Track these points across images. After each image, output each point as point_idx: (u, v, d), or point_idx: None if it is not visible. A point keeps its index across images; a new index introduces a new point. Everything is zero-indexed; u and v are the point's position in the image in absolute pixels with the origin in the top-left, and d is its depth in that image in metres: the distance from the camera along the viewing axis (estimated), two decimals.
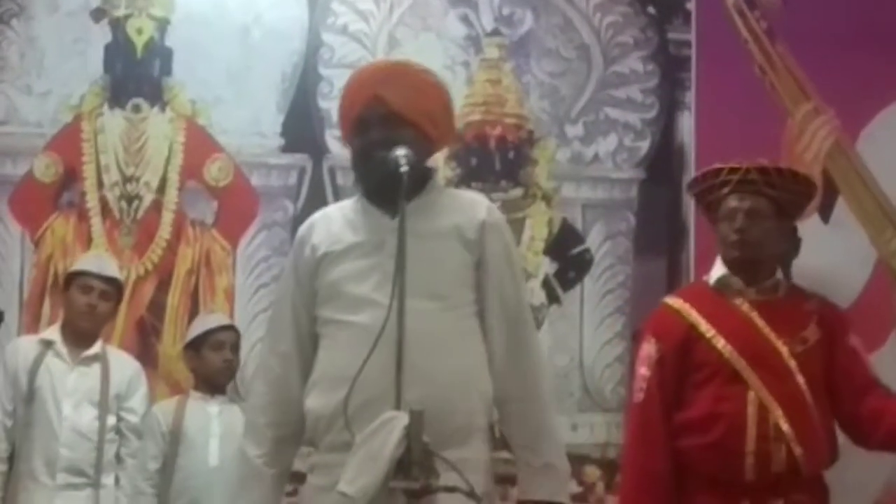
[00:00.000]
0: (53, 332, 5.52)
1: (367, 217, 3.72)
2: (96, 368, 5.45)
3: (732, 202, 4.13)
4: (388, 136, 3.60)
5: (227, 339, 5.55)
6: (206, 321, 5.71)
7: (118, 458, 5.41)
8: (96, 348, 5.49)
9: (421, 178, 3.68)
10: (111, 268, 5.64)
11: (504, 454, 5.49)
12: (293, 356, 3.74)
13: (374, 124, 3.64)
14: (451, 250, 3.68)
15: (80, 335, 5.48)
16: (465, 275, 3.68)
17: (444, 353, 3.57)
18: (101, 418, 5.39)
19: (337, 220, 3.79)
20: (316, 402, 3.65)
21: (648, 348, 4.13)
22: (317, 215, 3.88)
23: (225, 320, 5.72)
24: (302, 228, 3.86)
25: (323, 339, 3.70)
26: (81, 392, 5.39)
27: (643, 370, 4.11)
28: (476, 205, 3.79)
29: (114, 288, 5.56)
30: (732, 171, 4.14)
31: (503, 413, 3.72)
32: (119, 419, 5.43)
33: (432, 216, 3.68)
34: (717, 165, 4.16)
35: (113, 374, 5.46)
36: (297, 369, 3.74)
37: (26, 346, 5.50)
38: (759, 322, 4.05)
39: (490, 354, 3.70)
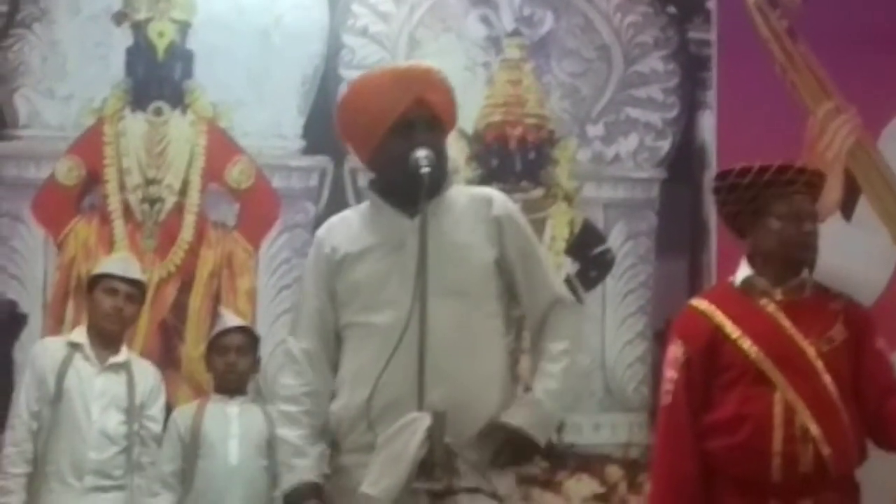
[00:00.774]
0: (80, 335, 5.49)
1: (385, 218, 3.71)
2: (123, 375, 5.42)
3: (801, 203, 4.11)
4: (432, 140, 3.62)
5: (231, 342, 5.53)
6: (217, 323, 5.73)
7: (140, 465, 5.37)
8: (123, 355, 5.48)
9: (441, 178, 3.68)
10: (135, 270, 5.63)
11: None
12: (319, 353, 3.74)
13: (420, 127, 3.63)
14: (471, 248, 3.68)
15: (105, 338, 5.46)
16: (485, 272, 3.69)
17: (466, 354, 3.58)
18: (129, 423, 5.37)
19: (354, 222, 3.79)
20: (339, 403, 3.66)
21: (675, 350, 4.11)
22: (334, 218, 3.88)
23: (234, 321, 5.70)
24: (320, 231, 3.86)
25: (346, 341, 3.70)
26: (109, 396, 5.37)
27: (670, 372, 4.10)
28: (487, 201, 3.79)
29: (138, 290, 5.54)
30: (800, 171, 4.12)
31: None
32: (141, 426, 5.41)
33: (450, 215, 3.68)
34: (782, 162, 4.13)
35: (137, 382, 5.44)
36: (325, 364, 3.74)
37: (54, 347, 5.47)
38: (786, 322, 4.04)
39: (531, 331, 3.74)
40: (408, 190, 3.58)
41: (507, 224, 3.73)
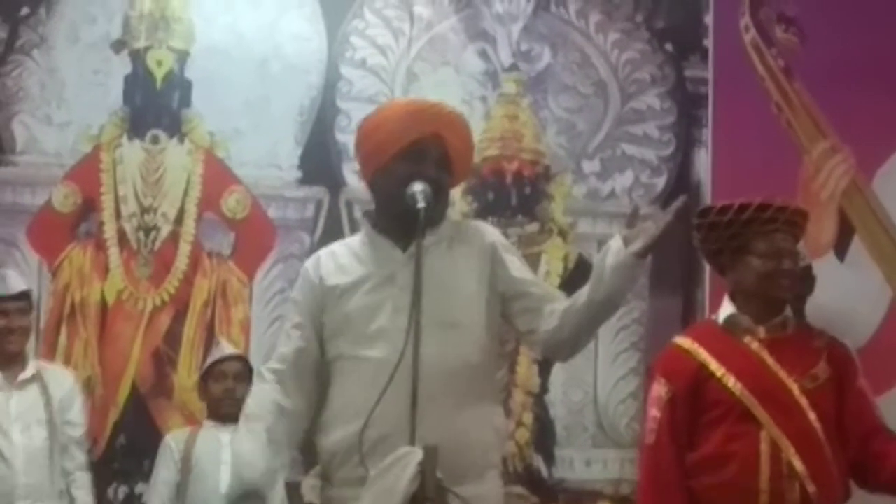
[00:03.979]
0: None
1: (377, 250, 3.67)
2: (35, 389, 5.33)
3: (781, 242, 4.12)
4: (437, 177, 3.60)
5: (228, 369, 5.54)
6: (213, 352, 5.74)
7: (65, 473, 5.29)
8: (31, 369, 5.37)
9: (437, 217, 3.71)
10: (16, 283, 5.49)
11: (517, 489, 5.54)
12: (296, 398, 3.69)
13: (430, 159, 3.60)
14: (465, 282, 3.66)
15: (8, 358, 5.34)
16: (477, 304, 3.68)
17: (459, 388, 3.58)
18: (52, 437, 5.27)
19: (343, 255, 3.77)
20: (330, 437, 3.67)
21: (659, 389, 4.11)
22: (322, 251, 3.83)
23: (231, 350, 5.73)
24: (308, 263, 3.80)
25: (335, 375, 3.68)
26: (26, 415, 5.27)
27: (654, 412, 4.10)
28: (481, 232, 3.78)
29: (26, 301, 5.42)
30: (780, 209, 4.14)
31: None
32: (60, 433, 5.30)
33: (443, 248, 3.69)
34: (762, 200, 4.15)
35: (52, 392, 5.34)
36: (298, 398, 3.70)
37: None
38: (770, 360, 4.04)
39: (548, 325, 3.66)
40: (401, 222, 3.58)
41: (500, 252, 3.75)
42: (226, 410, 5.49)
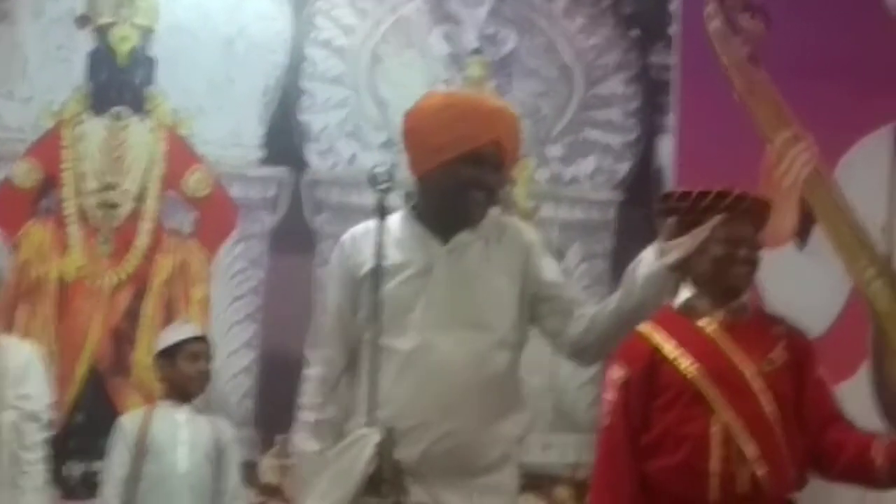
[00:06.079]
0: None
1: (416, 239, 3.65)
2: None
3: (740, 230, 4.14)
4: (495, 183, 3.63)
5: (201, 350, 5.53)
6: (179, 331, 5.67)
7: (24, 445, 5.00)
8: None
9: (481, 216, 3.68)
10: None
11: None
12: (340, 361, 3.68)
13: (489, 166, 3.59)
14: (499, 281, 3.65)
15: None
16: (510, 305, 3.66)
17: (484, 383, 3.55)
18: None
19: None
20: (351, 423, 3.64)
21: (614, 372, 4.15)
22: (359, 228, 3.76)
23: (199, 331, 5.72)
24: (345, 240, 3.75)
25: (363, 360, 3.63)
26: None
27: (610, 394, 4.13)
28: (520, 232, 3.78)
29: None
30: (740, 198, 4.16)
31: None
32: (13, 407, 5.01)
33: (480, 246, 3.67)
34: (721, 188, 4.16)
35: (9, 365, 5.06)
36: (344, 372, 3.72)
37: None
38: (726, 343, 4.06)
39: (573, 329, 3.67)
40: (449, 218, 3.62)
41: (535, 254, 3.75)
42: (194, 390, 5.47)
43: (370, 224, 3.71)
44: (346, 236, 3.77)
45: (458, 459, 3.48)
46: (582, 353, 3.73)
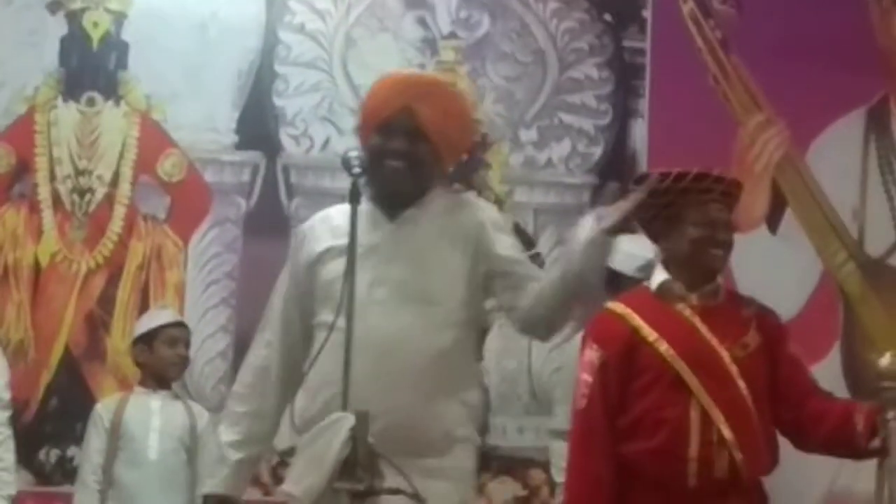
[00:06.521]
0: None
1: (365, 217, 3.65)
2: None
3: (716, 212, 4.14)
4: (406, 149, 3.64)
5: (180, 335, 5.54)
6: (158, 316, 5.69)
7: None
8: None
9: (423, 187, 3.72)
10: None
11: None
12: (278, 350, 3.74)
13: (397, 134, 3.65)
14: (449, 257, 3.68)
15: None
16: (460, 282, 3.68)
17: (429, 360, 3.57)
18: None
19: (336, 219, 3.77)
20: (299, 403, 3.67)
21: (590, 354, 4.12)
22: (318, 215, 3.85)
23: (177, 317, 5.73)
24: (303, 226, 3.84)
25: (316, 341, 3.65)
26: None
27: (585, 376, 4.11)
28: (473, 208, 3.80)
29: None
30: (717, 180, 4.16)
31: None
32: None
33: (428, 222, 3.70)
34: (699, 170, 4.17)
35: None
36: (281, 364, 3.74)
37: None
38: (701, 327, 4.07)
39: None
40: (383, 192, 3.66)
41: (488, 229, 3.75)
42: (172, 375, 5.49)
43: (331, 210, 3.77)
44: (307, 223, 3.83)
45: (400, 439, 3.46)
46: (534, 326, 3.75)
